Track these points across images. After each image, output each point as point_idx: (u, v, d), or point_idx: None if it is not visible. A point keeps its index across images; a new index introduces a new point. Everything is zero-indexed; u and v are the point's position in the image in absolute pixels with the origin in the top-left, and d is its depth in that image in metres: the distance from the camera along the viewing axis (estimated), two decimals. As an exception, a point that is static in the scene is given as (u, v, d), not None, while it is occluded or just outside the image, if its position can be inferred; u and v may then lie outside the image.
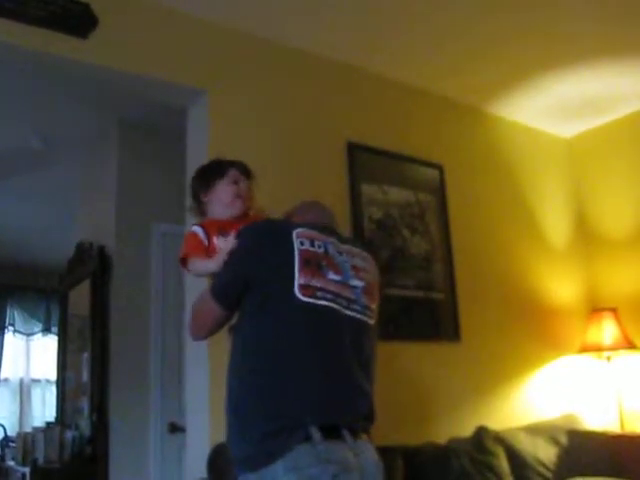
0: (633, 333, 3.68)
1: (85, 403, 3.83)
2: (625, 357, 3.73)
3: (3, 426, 6.18)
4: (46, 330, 7.47)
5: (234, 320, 1.75)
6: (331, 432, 1.50)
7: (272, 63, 3.03)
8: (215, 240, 1.78)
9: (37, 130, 4.07)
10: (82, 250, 4.18)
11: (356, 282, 1.71)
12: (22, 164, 4.57)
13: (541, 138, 4.19)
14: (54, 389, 5.21)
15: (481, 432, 2.93)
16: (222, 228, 1.80)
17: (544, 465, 3.03)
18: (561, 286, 3.95)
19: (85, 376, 3.90)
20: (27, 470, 3.82)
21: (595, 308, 3.90)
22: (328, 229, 1.78)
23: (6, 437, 5.90)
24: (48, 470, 3.73)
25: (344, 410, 1.58)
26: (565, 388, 3.78)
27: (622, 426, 3.60)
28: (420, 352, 3.16)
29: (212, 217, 1.88)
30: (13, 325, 7.37)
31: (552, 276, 3.92)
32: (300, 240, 1.64)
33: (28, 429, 5.49)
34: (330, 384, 1.57)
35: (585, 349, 3.75)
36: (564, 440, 3.21)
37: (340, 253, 1.71)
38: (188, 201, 1.99)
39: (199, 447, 2.49)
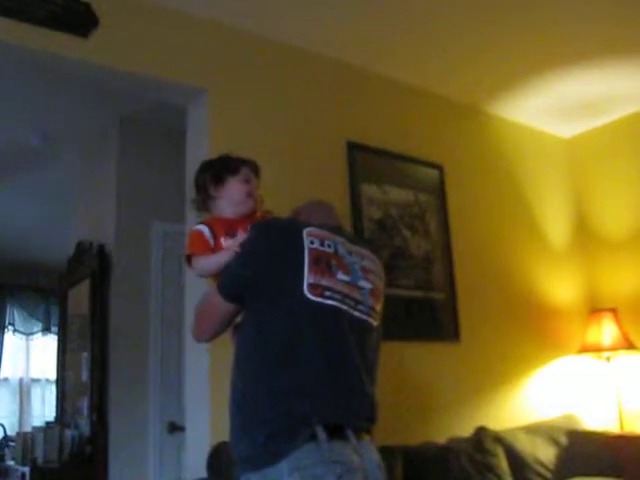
0: (633, 333, 3.68)
1: (85, 403, 3.83)
2: (625, 357, 3.73)
3: (3, 425, 6.18)
4: (46, 329, 7.46)
5: (238, 319, 1.75)
6: (336, 432, 1.50)
7: (272, 62, 3.03)
8: (223, 241, 1.75)
9: (37, 129, 4.07)
10: (82, 249, 4.18)
11: (364, 283, 1.70)
12: (22, 163, 4.57)
13: (541, 138, 4.19)
14: (54, 389, 5.21)
15: (481, 432, 2.93)
16: (230, 228, 1.77)
17: (544, 465, 3.03)
18: (561, 286, 3.95)
19: (85, 375, 3.90)
20: (27, 470, 3.82)
21: (595, 308, 3.90)
22: (338, 229, 1.78)
23: (6, 436, 5.89)
24: (48, 470, 3.73)
25: (349, 411, 1.57)
26: (565, 388, 3.78)
27: (622, 426, 3.60)
28: (420, 352, 3.16)
29: (217, 215, 1.84)
30: (13, 324, 7.36)
31: (552, 276, 3.92)
32: (310, 239, 1.63)
33: (28, 429, 5.48)
34: (336, 385, 1.56)
35: (585, 349, 3.75)
36: (564, 440, 3.21)
37: (350, 253, 1.70)
38: (189, 194, 1.95)
39: (199, 446, 2.49)
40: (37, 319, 7.48)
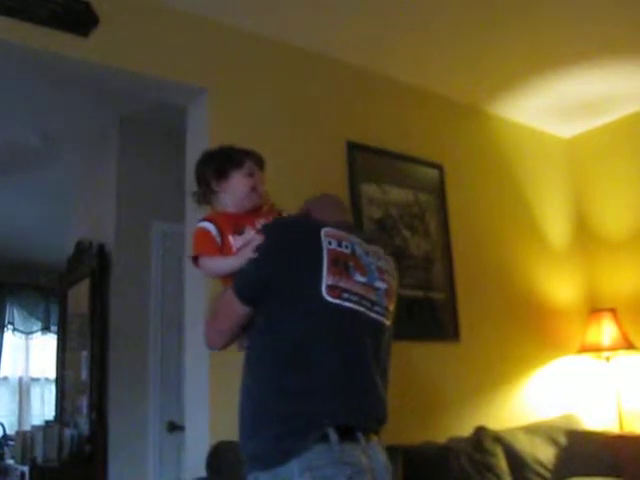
0: (632, 333, 3.68)
1: (84, 402, 3.83)
2: (624, 357, 3.73)
3: (2, 424, 6.17)
4: (45, 329, 7.46)
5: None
6: (346, 433, 1.49)
7: (272, 62, 3.03)
8: (231, 239, 1.69)
9: (37, 129, 4.07)
10: (82, 248, 4.18)
11: (380, 284, 1.69)
12: (22, 162, 4.57)
13: (541, 138, 4.19)
14: (53, 388, 5.21)
15: (480, 432, 2.93)
16: (237, 225, 1.71)
17: (543, 465, 3.04)
18: (560, 286, 3.95)
19: (84, 375, 3.90)
20: (26, 469, 3.82)
21: (594, 308, 3.90)
22: (354, 229, 1.77)
23: (5, 435, 5.89)
24: (47, 469, 3.73)
25: (361, 413, 1.57)
26: (564, 388, 3.78)
27: (621, 426, 3.60)
28: (420, 352, 3.16)
29: (221, 210, 1.77)
30: (12, 323, 7.36)
31: (551, 276, 3.92)
32: (328, 240, 1.60)
33: (27, 428, 5.47)
34: (349, 386, 1.56)
35: (584, 349, 3.75)
36: (563, 440, 3.21)
37: (367, 254, 1.69)
38: (189, 190, 1.90)
39: (198, 446, 2.49)
40: (37, 318, 7.47)
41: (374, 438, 1.59)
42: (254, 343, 1.65)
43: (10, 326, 7.33)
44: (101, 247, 3.85)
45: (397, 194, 3.31)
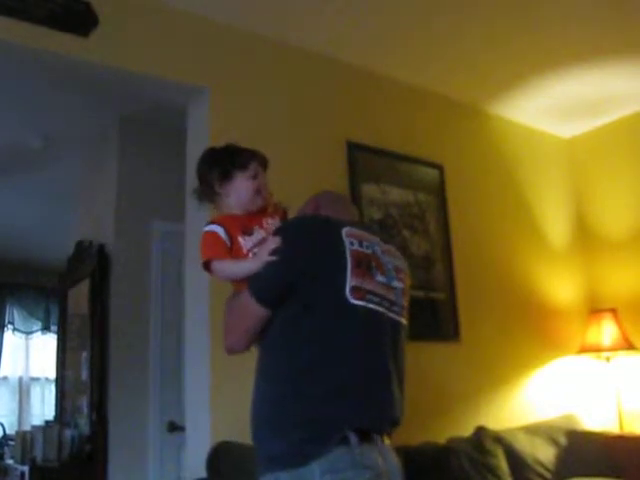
0: (632, 334, 3.68)
1: (84, 402, 3.83)
2: (624, 358, 3.73)
3: (2, 424, 6.18)
4: (45, 328, 7.47)
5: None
6: (364, 435, 1.49)
7: (273, 62, 3.03)
8: (241, 240, 1.65)
9: (37, 129, 4.07)
10: (82, 248, 4.18)
11: (397, 283, 1.68)
12: (22, 163, 4.57)
13: (541, 138, 4.19)
14: (53, 388, 5.21)
15: (480, 432, 2.94)
16: (245, 226, 1.67)
17: (543, 465, 3.03)
18: (561, 286, 3.95)
19: (84, 375, 3.90)
20: (26, 469, 3.82)
21: (594, 309, 3.90)
22: (371, 228, 1.76)
23: (5, 435, 5.90)
24: (47, 469, 3.73)
25: (379, 415, 1.57)
26: (564, 388, 3.78)
27: (621, 427, 3.60)
28: (420, 352, 3.15)
29: (226, 213, 1.72)
30: (12, 323, 7.36)
31: (552, 276, 3.92)
32: (350, 240, 1.58)
33: (27, 427, 5.48)
34: (371, 389, 1.55)
35: (584, 350, 3.75)
36: (563, 440, 3.21)
37: (384, 254, 1.68)
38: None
39: (198, 446, 2.49)
40: (37, 318, 7.48)
41: (387, 441, 1.58)
42: (271, 344, 1.61)
43: (10, 326, 7.34)
44: (101, 247, 3.85)
45: (397, 194, 3.31)
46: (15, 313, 7.39)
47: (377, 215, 3.18)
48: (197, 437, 2.56)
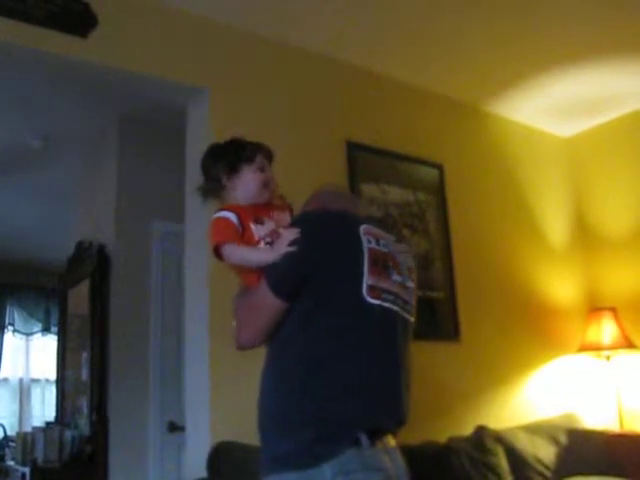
0: (632, 332, 3.68)
1: (84, 402, 3.83)
2: (624, 356, 3.73)
3: (3, 426, 6.19)
4: (45, 330, 7.47)
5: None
6: (374, 436, 1.48)
7: (272, 62, 3.03)
8: (252, 228, 1.62)
9: (37, 129, 4.08)
10: (82, 249, 4.18)
11: (410, 283, 1.68)
12: (22, 163, 4.57)
13: (540, 137, 4.20)
14: (54, 389, 5.21)
15: (481, 431, 2.93)
16: (256, 215, 1.65)
17: (544, 464, 3.03)
18: (560, 285, 3.95)
19: (85, 375, 3.90)
20: (27, 470, 3.82)
21: (594, 307, 3.90)
22: (385, 226, 1.75)
23: (6, 437, 5.90)
24: (48, 470, 3.73)
25: (389, 416, 1.56)
26: (564, 387, 3.78)
27: (621, 425, 3.61)
28: (419, 351, 3.13)
29: (234, 203, 1.69)
30: (13, 325, 7.37)
31: (551, 275, 3.92)
32: (367, 238, 1.57)
33: (28, 429, 5.48)
34: (382, 389, 1.55)
35: (584, 348, 3.75)
36: (564, 439, 3.21)
37: (399, 253, 1.67)
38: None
39: (199, 446, 2.49)
40: (37, 319, 7.48)
41: (392, 441, 1.57)
42: (282, 339, 1.58)
43: (10, 327, 7.35)
44: (101, 247, 3.85)
45: (397, 194, 3.31)
46: (15, 314, 7.39)
47: (377, 215, 3.18)
48: (197, 437, 2.56)
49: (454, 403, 3.22)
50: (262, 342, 1.62)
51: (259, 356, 1.68)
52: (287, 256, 1.52)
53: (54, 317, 7.01)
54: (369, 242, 1.57)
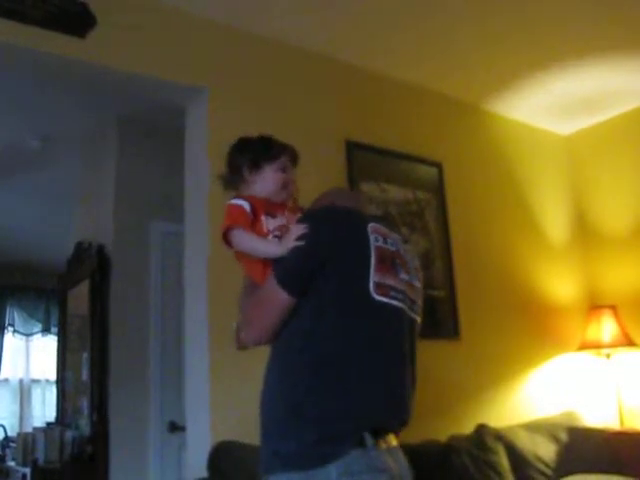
0: (632, 330, 3.68)
1: (85, 403, 3.83)
2: (624, 354, 3.73)
3: (3, 426, 6.19)
4: (45, 330, 7.47)
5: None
6: (377, 436, 1.48)
7: (271, 61, 3.03)
8: (263, 219, 1.64)
9: (36, 129, 4.07)
10: (81, 249, 4.18)
11: (417, 283, 1.68)
12: (21, 163, 4.56)
13: (539, 135, 4.20)
14: (54, 389, 5.22)
15: (481, 430, 2.93)
16: (269, 208, 1.67)
17: (544, 462, 3.03)
18: (560, 283, 3.95)
19: (85, 376, 3.90)
20: (27, 470, 3.83)
21: (594, 305, 3.90)
22: (393, 225, 1.74)
23: (6, 437, 5.90)
24: (48, 470, 3.74)
25: (393, 415, 1.56)
26: (565, 385, 3.78)
27: (622, 423, 3.61)
28: (420, 350, 3.15)
29: (250, 194, 1.72)
30: (13, 325, 7.37)
31: (551, 273, 3.92)
32: (375, 236, 1.57)
33: (28, 429, 5.49)
34: (387, 388, 1.54)
35: (584, 346, 3.75)
36: (564, 437, 3.21)
37: (406, 252, 1.68)
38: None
39: (199, 446, 2.49)
40: (37, 320, 7.48)
41: (395, 441, 1.56)
42: (286, 337, 1.57)
43: (10, 328, 7.35)
44: (100, 248, 3.84)
45: (396, 192, 3.31)
46: (15, 315, 7.39)
47: (376, 214, 3.18)
48: (197, 437, 2.56)
49: (454, 402, 3.22)
50: (268, 340, 1.62)
51: (259, 356, 1.68)
52: (294, 251, 1.53)
53: (54, 318, 7.01)
54: (376, 240, 1.57)
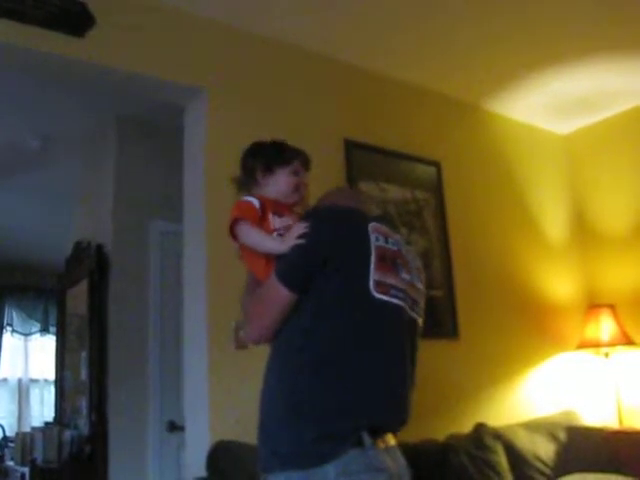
0: (631, 329, 3.69)
1: (84, 402, 3.83)
2: (623, 353, 3.74)
3: (2, 426, 6.18)
4: (44, 330, 7.46)
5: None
6: (376, 436, 1.48)
7: (270, 61, 3.03)
8: (271, 217, 1.67)
9: (36, 129, 4.07)
10: (80, 249, 4.18)
11: (419, 284, 1.69)
12: (21, 163, 4.56)
13: (538, 135, 4.20)
14: (52, 389, 5.21)
15: (480, 429, 2.94)
16: (277, 207, 1.71)
17: (543, 461, 3.04)
18: (559, 282, 3.96)
19: (83, 375, 3.90)
20: (26, 470, 3.82)
21: (593, 304, 3.90)
22: (395, 226, 1.75)
23: (5, 437, 5.90)
24: (47, 470, 3.73)
25: (392, 415, 1.56)
26: (563, 385, 3.79)
27: (620, 422, 3.61)
28: (419, 350, 3.16)
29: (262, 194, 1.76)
30: (11, 325, 7.36)
31: (550, 272, 3.93)
32: (375, 235, 1.59)
33: (27, 429, 5.49)
34: (387, 389, 1.55)
35: (583, 345, 3.75)
36: (563, 436, 3.21)
37: (407, 252, 1.68)
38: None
39: (198, 446, 2.49)
40: (35, 319, 7.47)
41: (393, 440, 1.57)
42: (286, 335, 1.58)
43: (9, 327, 7.34)
44: (99, 247, 3.84)
45: (395, 192, 3.31)
46: (14, 315, 7.39)
47: (375, 213, 3.18)
48: (196, 436, 2.56)
49: (453, 401, 3.23)
50: (268, 339, 1.63)
51: (258, 356, 1.69)
52: (295, 248, 1.55)
53: (53, 317, 7.01)
54: (377, 239, 1.58)
